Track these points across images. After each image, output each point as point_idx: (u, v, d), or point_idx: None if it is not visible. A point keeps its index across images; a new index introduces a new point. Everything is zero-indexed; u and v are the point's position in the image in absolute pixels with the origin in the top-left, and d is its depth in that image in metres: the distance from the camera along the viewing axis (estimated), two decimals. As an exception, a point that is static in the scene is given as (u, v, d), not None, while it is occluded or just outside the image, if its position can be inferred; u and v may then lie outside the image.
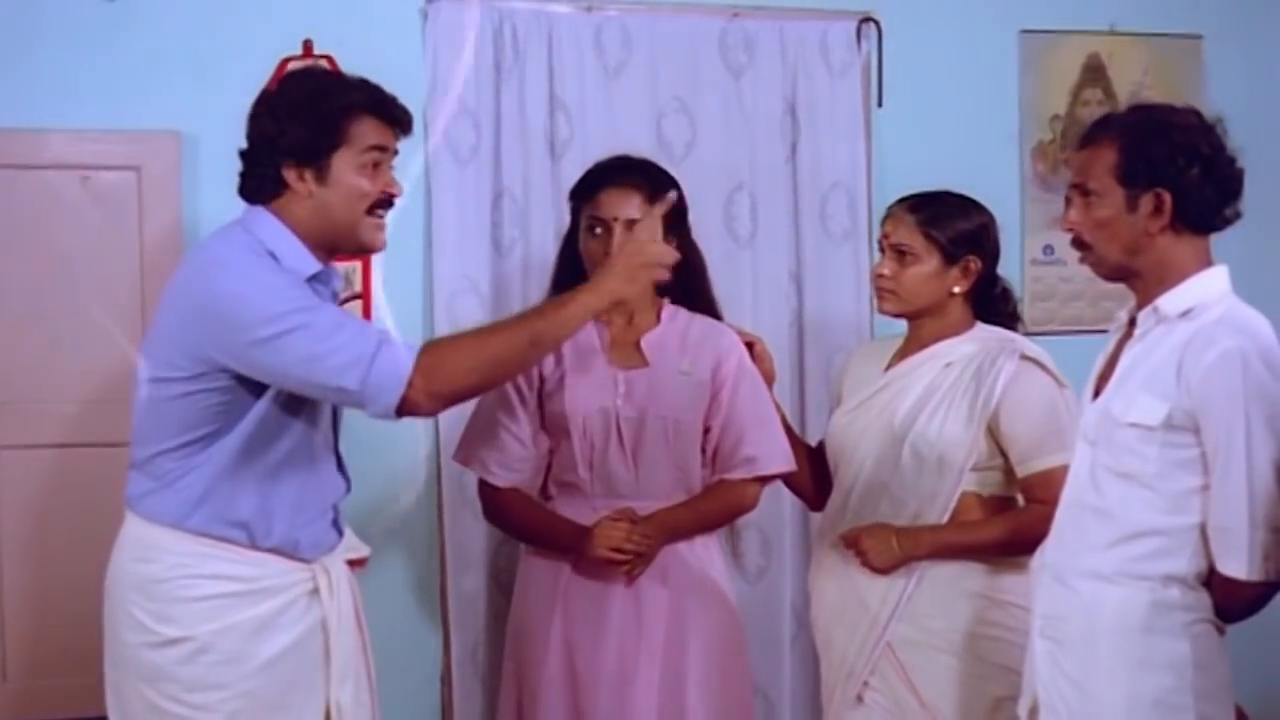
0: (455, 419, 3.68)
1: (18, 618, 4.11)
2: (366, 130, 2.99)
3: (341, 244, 3.06)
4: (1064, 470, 3.06)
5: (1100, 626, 2.79)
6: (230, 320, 2.88)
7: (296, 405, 3.00)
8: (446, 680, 4.31)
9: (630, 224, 3.44)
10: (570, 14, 4.35)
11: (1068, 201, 2.94)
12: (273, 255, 2.98)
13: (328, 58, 4.13)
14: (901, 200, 3.55)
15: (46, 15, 4.02)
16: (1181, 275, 2.83)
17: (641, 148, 4.34)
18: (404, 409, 2.86)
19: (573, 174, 4.23)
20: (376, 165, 3.01)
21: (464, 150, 4.24)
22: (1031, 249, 4.78)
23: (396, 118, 3.06)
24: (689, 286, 3.59)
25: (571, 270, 3.55)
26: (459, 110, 4.22)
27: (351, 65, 4.04)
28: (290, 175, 3.00)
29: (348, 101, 3.00)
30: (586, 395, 3.49)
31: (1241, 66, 4.96)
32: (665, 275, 3.09)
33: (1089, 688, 2.80)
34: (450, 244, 4.25)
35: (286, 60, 4.12)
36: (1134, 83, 4.89)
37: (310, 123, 2.98)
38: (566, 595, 3.50)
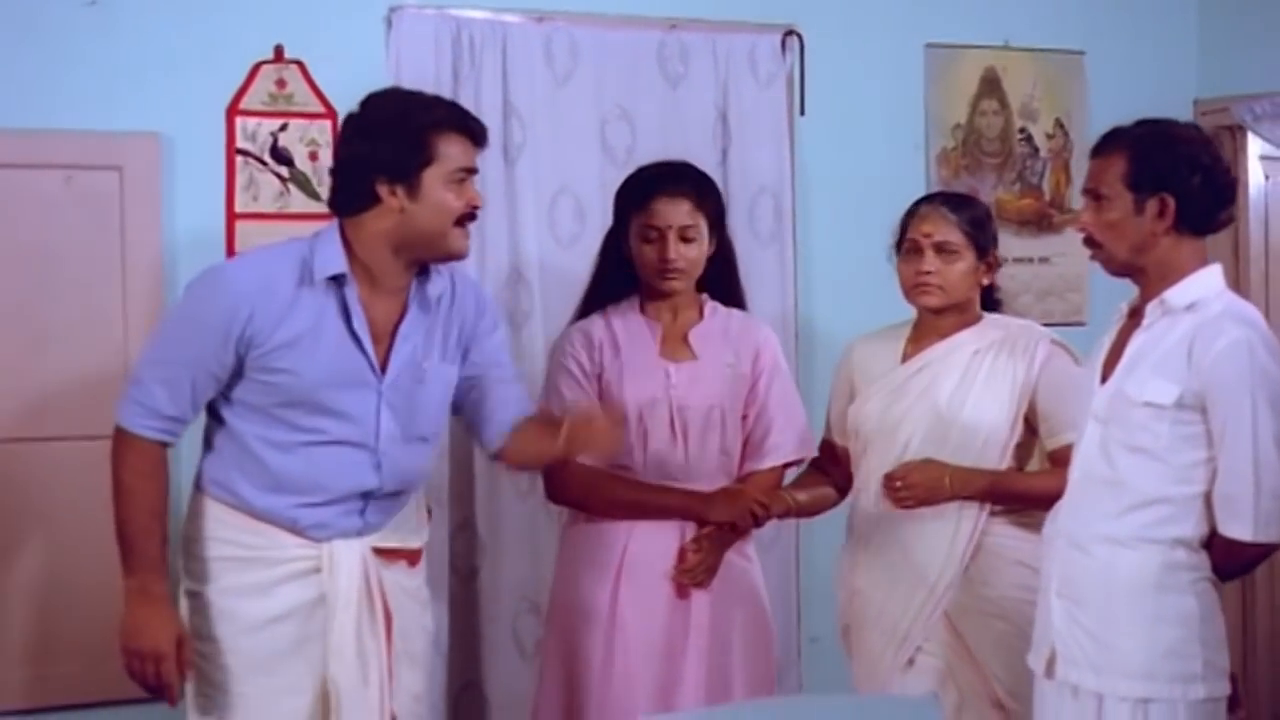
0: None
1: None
2: (454, 148, 3.27)
3: (428, 254, 3.32)
4: None
5: (1117, 586, 3.19)
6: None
7: (280, 401, 3.24)
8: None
9: (683, 231, 3.73)
10: (522, 24, 4.57)
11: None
12: (309, 262, 3.25)
13: (298, 63, 4.32)
14: (930, 199, 3.95)
15: (31, 18, 4.13)
16: (1182, 272, 3.23)
17: (587, 152, 4.65)
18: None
19: (526, 177, 4.56)
20: (463, 181, 3.27)
21: None
22: (936, 250, 5.15)
23: (478, 134, 3.34)
24: (724, 282, 3.90)
25: (615, 270, 3.85)
26: (420, 114, 4.45)
27: (320, 71, 4.34)
28: (383, 191, 3.24)
29: (435, 120, 3.28)
30: (641, 385, 3.76)
31: (1119, 80, 5.37)
32: (144, 671, 3.29)
33: (1108, 641, 3.19)
34: (413, 244, 4.46)
35: (259, 65, 4.30)
36: (1025, 94, 5.29)
37: (402, 141, 3.23)
38: (625, 565, 3.74)
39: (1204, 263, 3.29)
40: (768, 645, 3.91)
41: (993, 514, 3.76)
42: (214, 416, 3.35)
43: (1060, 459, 3.72)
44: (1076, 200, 5.25)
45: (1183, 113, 5.36)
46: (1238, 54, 5.40)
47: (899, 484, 3.69)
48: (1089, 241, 3.33)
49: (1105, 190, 3.24)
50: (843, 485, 4.02)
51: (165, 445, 3.29)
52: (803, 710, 3.24)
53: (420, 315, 3.38)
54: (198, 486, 3.38)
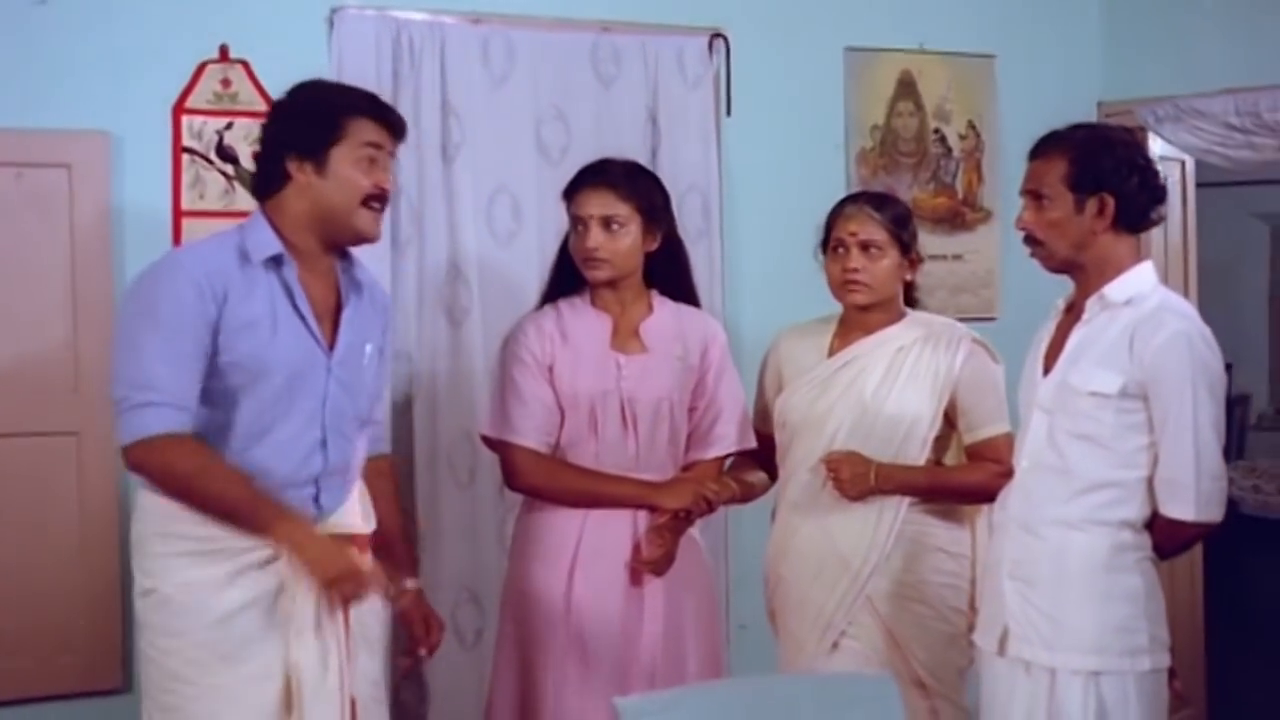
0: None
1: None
2: (363, 128, 3.32)
3: (339, 234, 3.37)
4: (1005, 436, 3.76)
5: (1069, 567, 3.39)
6: (125, 303, 3.36)
7: (240, 384, 3.27)
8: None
9: (605, 220, 3.83)
10: (459, 26, 4.66)
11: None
12: (244, 246, 3.30)
13: (243, 62, 4.39)
14: (854, 199, 4.09)
15: (-19, 17, 4.17)
16: (1119, 268, 3.44)
17: (523, 151, 4.75)
18: (128, 456, 3.23)
19: (464, 176, 4.66)
20: (372, 161, 3.33)
21: None
22: (856, 247, 5.31)
23: (392, 122, 3.41)
24: (674, 277, 4.00)
25: (568, 265, 3.95)
26: (362, 114, 4.53)
27: (265, 70, 4.40)
28: (293, 167, 3.32)
29: (348, 102, 3.36)
30: (592, 377, 3.85)
31: (1028, 83, 5.57)
32: (356, 593, 3.30)
33: (1061, 619, 3.39)
34: (357, 241, 4.54)
35: (204, 64, 4.36)
36: (939, 96, 5.47)
37: (312, 119, 3.32)
38: (580, 553, 3.83)
39: (1138, 259, 3.50)
40: (716, 627, 4.05)
41: (912, 503, 3.92)
42: None
43: (976, 453, 3.93)
44: (988, 199, 5.50)
45: (1087, 114, 5.59)
46: (1140, 58, 5.61)
47: (831, 474, 3.85)
48: (1030, 240, 3.50)
49: (1047, 191, 3.42)
50: (773, 471, 4.16)
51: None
52: (767, 690, 3.37)
53: (356, 299, 3.45)
54: (149, 489, 3.34)
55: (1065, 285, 5.22)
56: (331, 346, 3.39)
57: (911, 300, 4.12)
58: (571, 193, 3.93)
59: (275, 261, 3.32)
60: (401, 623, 3.64)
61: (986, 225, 5.53)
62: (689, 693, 3.49)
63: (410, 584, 3.65)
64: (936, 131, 5.47)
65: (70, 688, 4.29)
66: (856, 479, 3.84)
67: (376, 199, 3.36)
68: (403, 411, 4.63)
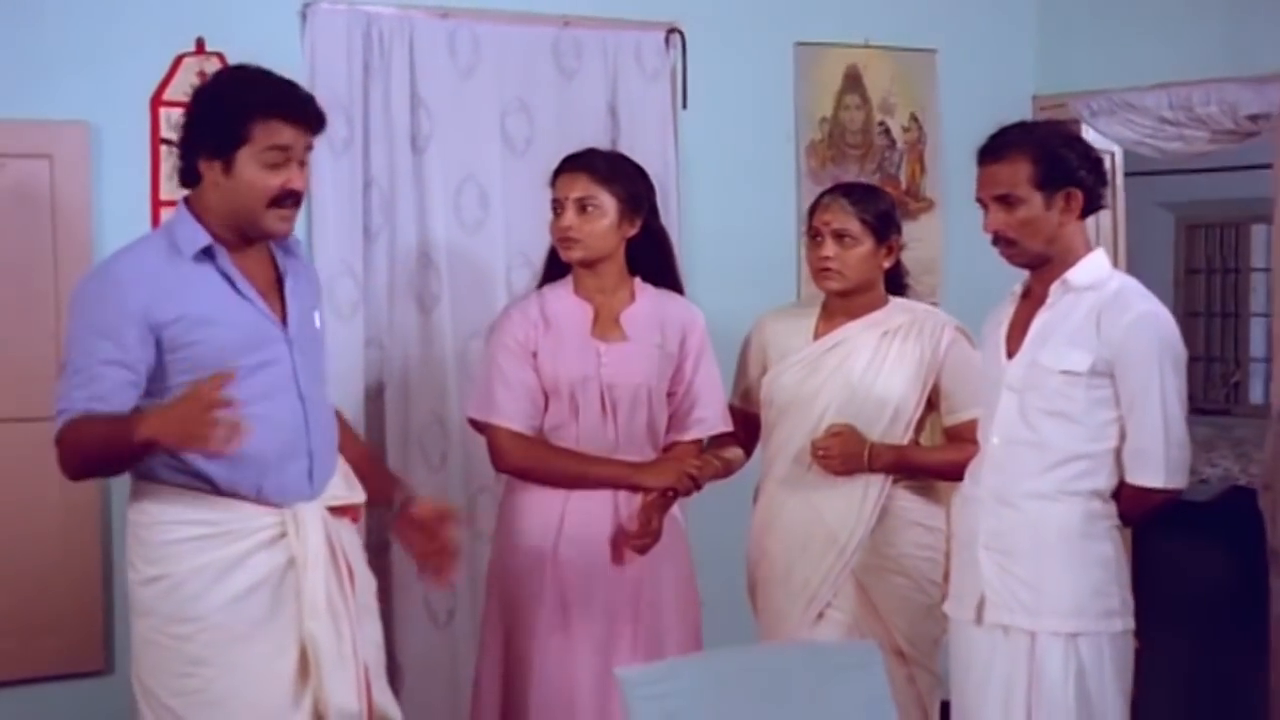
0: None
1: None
2: (269, 130, 3.32)
3: (249, 231, 3.42)
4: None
5: (1046, 536, 3.60)
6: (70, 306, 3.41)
7: (211, 369, 3.27)
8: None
9: (580, 202, 3.96)
10: (427, 20, 4.77)
11: (983, 208, 3.69)
12: (174, 241, 3.38)
13: (219, 55, 4.46)
14: (832, 190, 4.23)
15: (-38, 9, 4.23)
16: (1077, 256, 3.66)
17: (489, 142, 4.87)
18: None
19: (433, 166, 4.77)
20: (276, 164, 3.34)
21: (338, 143, 4.60)
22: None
23: (299, 118, 3.39)
24: (657, 265, 4.13)
25: (556, 254, 4.08)
26: (334, 105, 4.57)
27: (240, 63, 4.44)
28: (203, 166, 3.37)
29: (254, 101, 3.35)
30: (573, 364, 3.97)
31: (967, 77, 5.75)
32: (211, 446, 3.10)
33: (1040, 585, 3.59)
34: (329, 230, 4.63)
35: (181, 57, 4.44)
36: (884, 90, 5.64)
37: (217, 120, 3.35)
38: (563, 531, 3.96)
39: (1089, 245, 3.71)
40: (695, 602, 4.18)
41: (895, 481, 4.11)
42: (150, 402, 3.40)
43: (956, 434, 4.11)
44: (930, 188, 5.69)
45: (1023, 107, 5.80)
46: (1075, 54, 5.80)
47: (821, 451, 4.01)
48: (1000, 241, 3.68)
49: (1018, 192, 3.60)
50: (749, 447, 4.32)
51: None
52: (760, 658, 3.54)
53: (294, 270, 3.54)
54: (145, 478, 3.41)
55: (1004, 272, 5.53)
56: (284, 321, 3.47)
57: (902, 287, 4.28)
58: (553, 178, 4.07)
59: (207, 253, 3.38)
60: (416, 530, 3.70)
61: (929, 214, 5.71)
62: (685, 663, 3.64)
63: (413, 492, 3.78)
64: (881, 124, 5.64)
65: (53, 670, 4.37)
66: (850, 458, 4.01)
67: (285, 198, 3.39)
68: (374, 396, 4.74)
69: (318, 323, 3.58)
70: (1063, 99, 5.75)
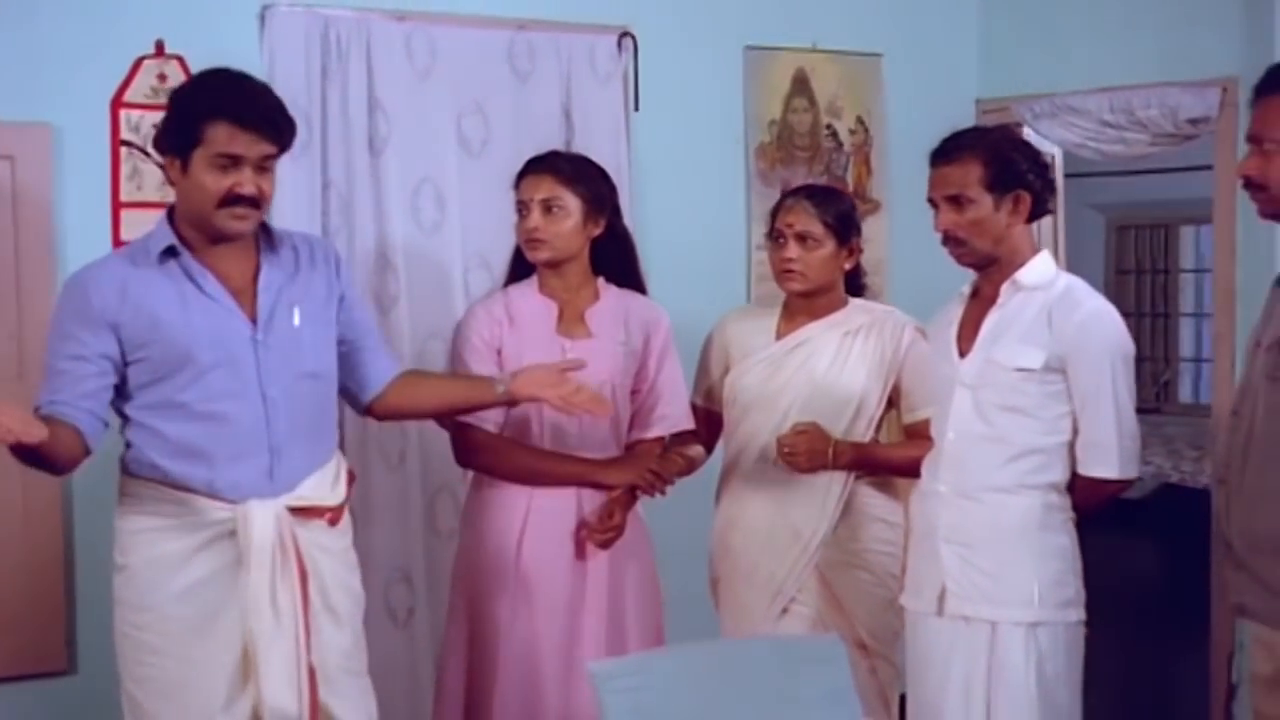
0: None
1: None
2: (220, 133, 3.40)
3: (208, 231, 3.49)
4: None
5: (1006, 528, 3.70)
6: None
7: (170, 373, 3.43)
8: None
9: (545, 204, 4.02)
10: (384, 22, 4.81)
11: (934, 208, 3.78)
12: (147, 243, 3.50)
13: (178, 58, 4.50)
14: (795, 192, 4.30)
15: (-76, 11, 4.24)
16: (1025, 257, 3.77)
17: (445, 144, 4.91)
18: None
19: (391, 168, 4.80)
20: (226, 168, 3.40)
21: (296, 145, 4.54)
22: (756, 235, 5.53)
23: (253, 124, 3.43)
24: (620, 266, 4.20)
25: (521, 254, 4.15)
26: (293, 107, 4.60)
27: (200, 66, 4.36)
28: (166, 164, 3.49)
29: (205, 104, 3.43)
30: (538, 361, 3.98)
31: (911, 81, 5.85)
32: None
33: (1001, 576, 3.69)
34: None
35: (141, 59, 4.46)
36: (831, 93, 5.72)
37: (178, 122, 3.45)
38: (528, 526, 4.01)
39: (1034, 247, 3.82)
40: (657, 597, 4.24)
41: (857, 478, 4.19)
42: (121, 416, 3.53)
43: (915, 431, 4.20)
44: (876, 190, 5.78)
45: (967, 110, 5.90)
46: (1017, 58, 5.89)
47: (787, 449, 4.08)
48: (950, 240, 3.77)
49: (968, 194, 3.70)
50: (710, 445, 4.39)
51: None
52: (730, 651, 3.61)
53: (274, 264, 3.59)
54: (124, 472, 3.54)
55: (949, 273, 5.67)
56: (255, 319, 3.52)
57: (860, 288, 4.36)
58: (518, 180, 4.13)
59: (170, 253, 3.47)
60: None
61: (875, 215, 5.79)
62: (656, 656, 3.72)
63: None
64: (828, 127, 5.72)
65: (14, 670, 4.38)
66: (814, 455, 4.08)
67: (236, 201, 3.43)
68: (334, 397, 4.76)
69: (296, 320, 3.59)
70: (1005, 102, 5.84)
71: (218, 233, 3.48)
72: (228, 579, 3.47)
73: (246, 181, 3.43)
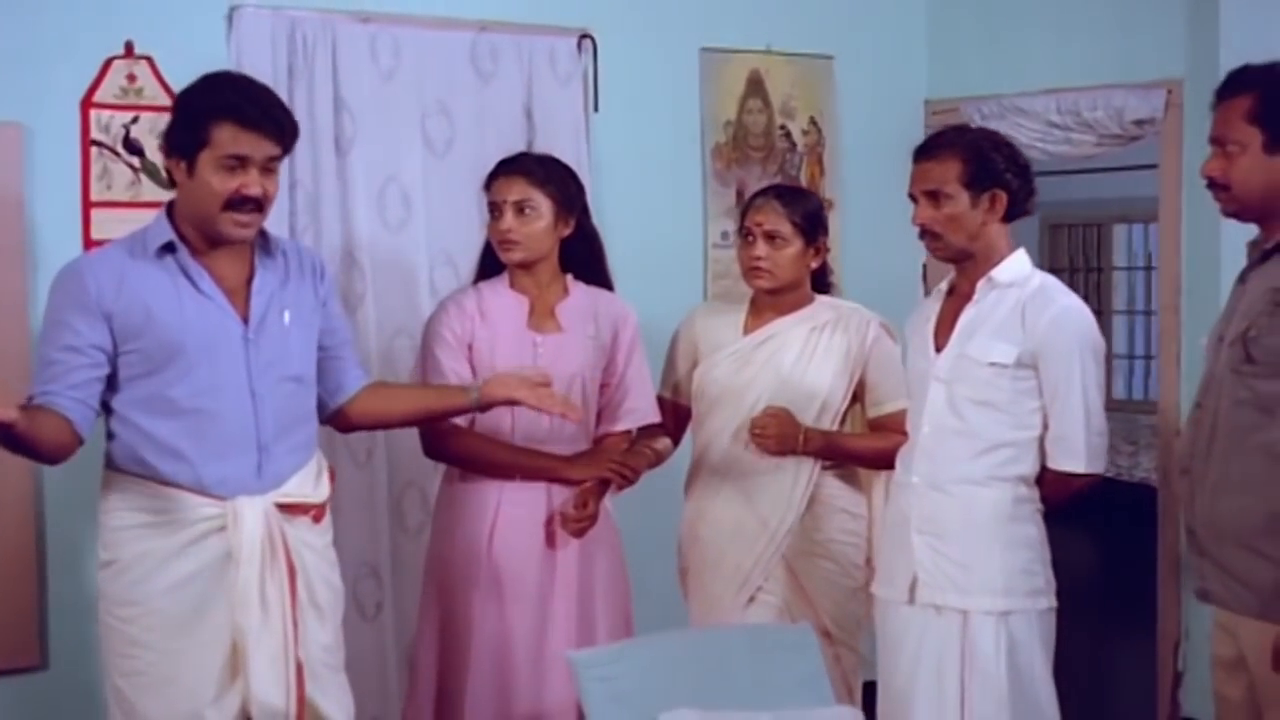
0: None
1: None
2: (226, 135, 3.45)
3: (209, 233, 3.54)
4: (906, 411, 4.08)
5: (977, 519, 3.81)
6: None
7: (159, 367, 3.47)
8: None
9: (518, 205, 4.09)
10: (349, 24, 4.85)
11: (914, 203, 3.89)
12: (144, 237, 3.53)
13: (148, 58, 4.53)
14: (765, 192, 4.40)
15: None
16: (1001, 255, 3.87)
17: (410, 144, 4.97)
18: None
19: (356, 167, 4.85)
20: (234, 168, 3.45)
21: None
22: (712, 234, 5.64)
23: (259, 126, 3.48)
24: (588, 262, 4.27)
25: (490, 251, 4.22)
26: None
27: (168, 66, 4.54)
28: (171, 165, 3.52)
29: (212, 105, 3.47)
30: (510, 355, 4.09)
31: (862, 82, 5.96)
32: None
33: (971, 566, 3.79)
34: (256, 229, 4.70)
35: (111, 60, 4.49)
36: (785, 95, 5.81)
37: (185, 123, 3.49)
38: (499, 519, 4.08)
39: (1012, 246, 3.90)
40: (625, 588, 4.32)
41: (823, 469, 4.29)
42: (106, 410, 3.55)
43: (879, 425, 4.31)
44: (829, 189, 5.88)
45: (916, 111, 6.03)
46: (965, 60, 6.01)
47: (758, 430, 4.17)
48: (926, 234, 3.88)
49: (946, 190, 3.81)
50: (676, 438, 4.48)
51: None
52: (703, 640, 3.71)
53: (268, 268, 3.64)
54: (108, 466, 3.57)
55: (898, 270, 5.85)
56: (247, 318, 3.57)
57: (826, 286, 4.46)
58: (489, 181, 4.19)
59: (168, 249, 3.51)
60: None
61: (828, 214, 5.86)
62: (633, 645, 3.81)
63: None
64: (782, 127, 5.81)
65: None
66: (785, 438, 4.17)
67: (242, 203, 3.48)
68: (301, 394, 4.81)
69: (286, 322, 3.65)
70: (954, 103, 5.96)
71: (219, 236, 3.53)
72: (216, 574, 3.51)
73: (253, 182, 3.48)
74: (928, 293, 5.92)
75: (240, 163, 3.45)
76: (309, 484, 3.70)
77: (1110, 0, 5.61)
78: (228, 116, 3.44)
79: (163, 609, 3.49)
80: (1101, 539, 7.51)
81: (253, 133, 3.46)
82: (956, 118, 5.88)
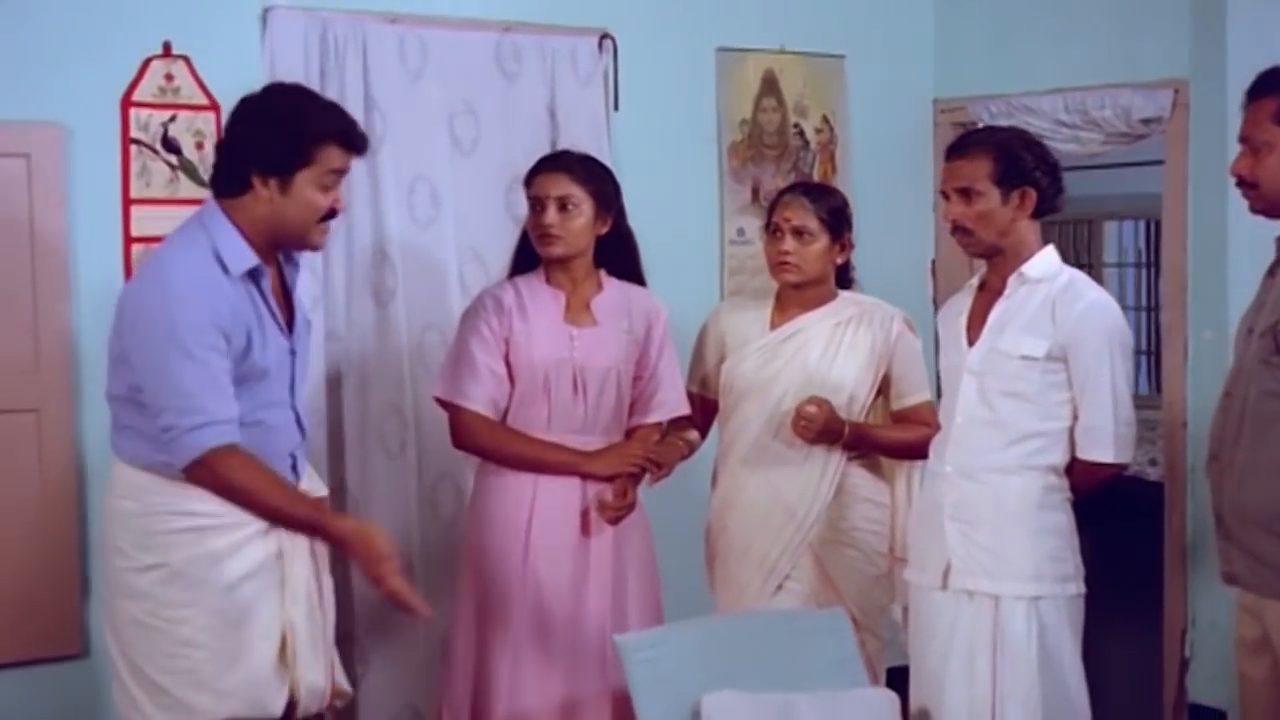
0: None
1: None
2: (332, 156, 3.55)
3: (289, 244, 3.65)
4: (928, 403, 4.30)
5: (1007, 507, 3.91)
6: (138, 326, 3.48)
7: (240, 387, 3.51)
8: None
9: (560, 201, 4.19)
10: (378, 25, 4.94)
11: (945, 200, 4.01)
12: (219, 255, 3.50)
13: (185, 58, 4.62)
14: (792, 188, 4.53)
15: (-60, 10, 4.34)
16: (1031, 251, 3.98)
17: (438, 142, 5.06)
18: (188, 474, 3.47)
19: (387, 165, 4.95)
20: (331, 186, 3.57)
21: None
22: (729, 231, 5.75)
23: (359, 146, 3.65)
24: (622, 259, 4.39)
25: (525, 247, 4.34)
26: (293, 108, 4.77)
27: (204, 66, 4.63)
28: (257, 181, 3.53)
29: (322, 128, 3.55)
30: (547, 347, 4.20)
31: (873, 81, 6.07)
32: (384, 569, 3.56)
33: (1002, 552, 3.90)
34: (290, 227, 4.79)
35: (149, 60, 4.58)
36: (798, 94, 5.92)
37: (285, 140, 3.52)
38: (535, 515, 4.20)
39: (1041, 242, 4.02)
40: (656, 576, 4.44)
41: (849, 459, 4.39)
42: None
43: (903, 417, 4.45)
44: (840, 186, 5.92)
45: (925, 110, 6.14)
46: (973, 60, 6.11)
47: (804, 420, 4.25)
48: (958, 230, 3.98)
49: (977, 187, 3.91)
50: (704, 431, 4.60)
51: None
52: (740, 625, 3.83)
53: (293, 280, 3.75)
54: (133, 465, 3.57)
55: (908, 265, 5.95)
56: (290, 330, 3.67)
57: (848, 281, 4.57)
58: (531, 177, 4.30)
59: (252, 274, 3.55)
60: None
61: (842, 211, 5.99)
62: (675, 628, 3.93)
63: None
64: (796, 126, 5.92)
65: (30, 654, 4.48)
66: (828, 432, 4.27)
67: (330, 216, 3.62)
68: (334, 388, 4.91)
69: (309, 327, 3.80)
70: (962, 102, 6.07)
71: (305, 246, 3.67)
72: (264, 572, 3.58)
73: (340, 198, 3.63)
74: (935, 288, 6.09)
75: (337, 180, 3.58)
76: (315, 480, 3.86)
77: (1117, 1, 5.71)
78: (336, 140, 3.55)
79: (218, 609, 3.54)
80: (1106, 525, 7.63)
81: (350, 152, 3.60)
82: (964, 117, 6.01)
